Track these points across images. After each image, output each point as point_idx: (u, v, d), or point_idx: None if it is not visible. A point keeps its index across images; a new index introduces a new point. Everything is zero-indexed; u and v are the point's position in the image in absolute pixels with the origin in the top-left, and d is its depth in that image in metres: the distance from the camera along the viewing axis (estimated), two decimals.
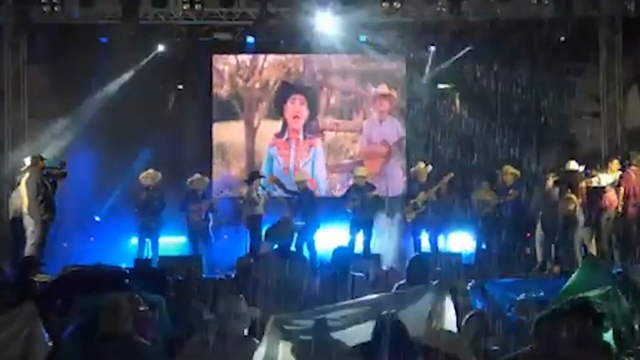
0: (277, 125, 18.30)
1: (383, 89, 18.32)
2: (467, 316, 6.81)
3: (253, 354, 5.46)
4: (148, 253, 14.96)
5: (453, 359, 5.37)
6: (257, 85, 18.45)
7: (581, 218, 13.22)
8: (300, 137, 18.30)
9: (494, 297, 7.78)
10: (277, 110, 18.34)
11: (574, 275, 6.41)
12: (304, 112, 18.33)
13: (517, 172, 14.77)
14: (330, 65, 18.49)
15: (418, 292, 5.85)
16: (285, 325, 5.45)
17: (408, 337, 5.23)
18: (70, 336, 6.32)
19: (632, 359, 5.40)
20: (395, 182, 17.42)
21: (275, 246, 11.46)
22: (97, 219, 16.64)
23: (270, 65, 18.44)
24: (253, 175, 15.34)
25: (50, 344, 6.02)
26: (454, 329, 5.67)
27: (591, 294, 5.76)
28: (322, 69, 18.46)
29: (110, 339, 5.63)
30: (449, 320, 5.62)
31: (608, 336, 5.41)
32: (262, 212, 14.86)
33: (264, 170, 17.28)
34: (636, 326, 5.53)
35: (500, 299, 8.09)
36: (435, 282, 5.98)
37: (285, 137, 18.31)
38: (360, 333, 5.41)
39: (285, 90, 18.39)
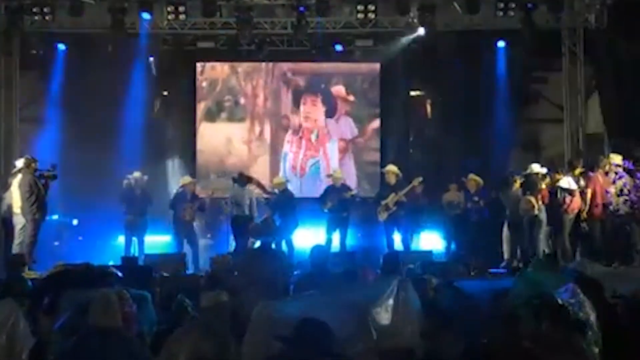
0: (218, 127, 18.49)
1: (340, 90, 18.47)
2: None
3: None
4: (135, 251, 14.94)
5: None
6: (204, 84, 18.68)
7: (544, 217, 13.32)
8: (313, 138, 18.39)
9: (463, 293, 7.81)
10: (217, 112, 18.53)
11: (529, 274, 6.46)
12: (318, 112, 18.46)
13: (480, 181, 14.86)
14: (306, 71, 18.63)
15: (383, 284, 5.85)
16: (271, 312, 5.45)
17: (330, 341, 5.08)
18: (60, 330, 6.30)
19: (587, 338, 5.47)
20: (348, 177, 17.36)
21: (258, 243, 11.48)
22: (75, 222, 16.56)
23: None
24: (243, 178, 15.29)
25: (33, 337, 5.98)
26: (417, 320, 5.63)
27: (555, 291, 5.80)
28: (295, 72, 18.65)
29: (100, 333, 5.60)
30: (415, 312, 5.60)
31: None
32: (247, 212, 14.84)
33: (280, 167, 17.99)
34: (591, 317, 5.58)
35: (469, 294, 8.12)
36: (398, 277, 5.99)
37: (299, 135, 18.43)
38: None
39: (299, 92, 18.53)
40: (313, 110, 18.44)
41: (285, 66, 18.53)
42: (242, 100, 18.59)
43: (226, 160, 18.28)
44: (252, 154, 18.47)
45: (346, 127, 18.47)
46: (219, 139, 18.47)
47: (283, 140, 18.47)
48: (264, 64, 18.45)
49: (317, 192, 16.06)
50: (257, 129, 18.50)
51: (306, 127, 18.42)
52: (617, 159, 13.46)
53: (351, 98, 18.50)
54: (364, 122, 18.54)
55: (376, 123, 18.54)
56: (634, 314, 6.10)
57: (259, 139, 18.52)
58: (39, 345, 5.98)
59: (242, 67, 18.58)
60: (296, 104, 18.51)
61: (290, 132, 18.44)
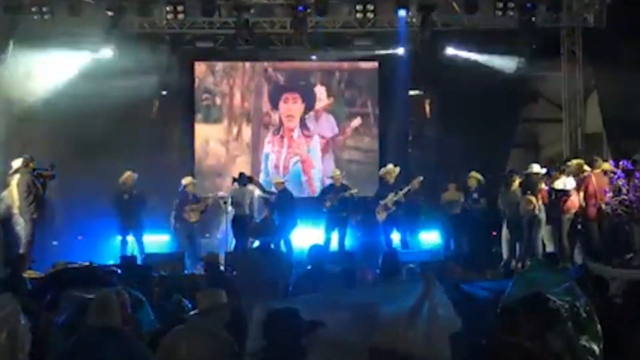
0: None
1: (321, 89, 18.44)
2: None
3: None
4: (132, 251, 14.89)
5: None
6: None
7: (543, 217, 13.34)
8: (295, 135, 18.32)
9: (463, 292, 7.81)
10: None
11: (527, 274, 6.47)
12: (298, 110, 18.36)
13: (481, 178, 14.89)
14: (287, 67, 18.65)
15: (405, 285, 5.80)
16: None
17: (300, 327, 5.11)
18: (59, 328, 6.32)
19: (586, 336, 5.49)
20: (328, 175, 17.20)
21: (257, 243, 11.47)
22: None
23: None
24: (243, 178, 15.25)
25: (32, 335, 5.99)
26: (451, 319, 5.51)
27: (553, 290, 5.81)
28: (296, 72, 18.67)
29: (99, 332, 5.62)
30: (444, 310, 5.50)
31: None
32: (247, 212, 14.83)
33: (261, 167, 17.84)
34: (591, 314, 5.60)
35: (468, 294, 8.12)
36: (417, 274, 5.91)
37: (280, 134, 18.33)
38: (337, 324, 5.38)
39: (278, 89, 18.44)
40: (294, 108, 18.35)
41: (267, 62, 18.46)
42: (218, 101, 18.53)
43: (203, 161, 18.27)
44: (231, 155, 18.34)
45: (327, 124, 18.40)
46: (197, 139, 18.43)
47: (264, 139, 18.34)
48: (240, 62, 18.43)
49: (299, 192, 16.48)
50: (235, 129, 18.39)
51: (288, 127, 18.33)
52: (607, 166, 13.54)
53: (332, 97, 18.44)
54: (344, 121, 18.46)
55: (357, 122, 18.46)
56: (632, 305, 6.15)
57: (236, 140, 18.40)
58: (39, 343, 5.99)
59: (219, 65, 18.55)
60: (276, 100, 18.39)
61: (270, 132, 18.29)
